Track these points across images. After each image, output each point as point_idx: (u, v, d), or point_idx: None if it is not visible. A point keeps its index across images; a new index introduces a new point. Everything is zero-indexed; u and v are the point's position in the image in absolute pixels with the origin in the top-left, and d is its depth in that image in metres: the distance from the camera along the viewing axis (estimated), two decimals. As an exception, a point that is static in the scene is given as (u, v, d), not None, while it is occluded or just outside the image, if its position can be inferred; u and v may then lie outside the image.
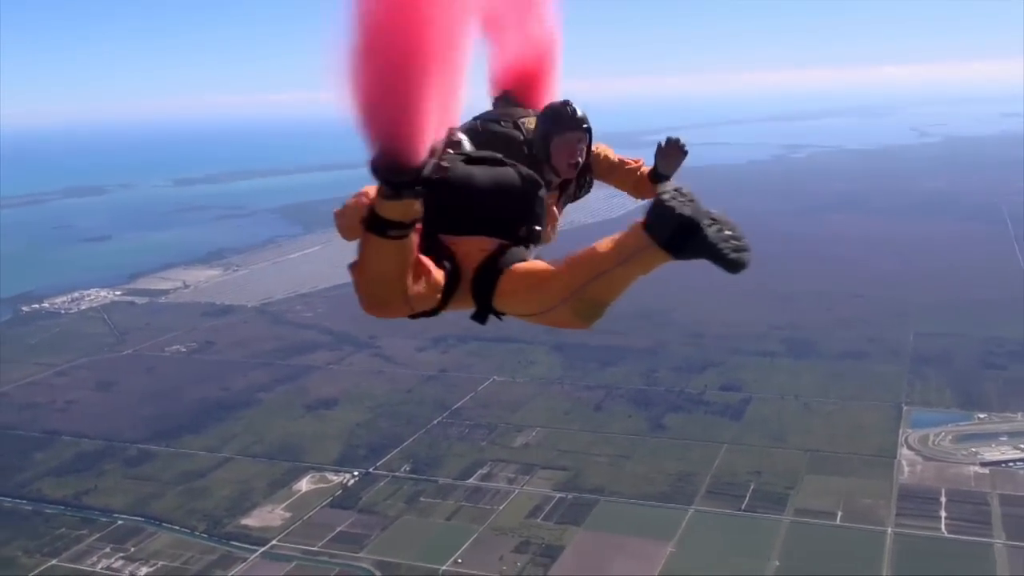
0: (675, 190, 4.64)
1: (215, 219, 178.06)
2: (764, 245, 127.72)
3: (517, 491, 59.96)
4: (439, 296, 5.06)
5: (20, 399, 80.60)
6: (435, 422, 71.42)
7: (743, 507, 56.26)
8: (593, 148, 6.99)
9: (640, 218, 4.72)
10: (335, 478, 63.06)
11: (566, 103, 6.63)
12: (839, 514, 54.82)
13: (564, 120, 6.67)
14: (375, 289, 4.79)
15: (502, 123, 6.59)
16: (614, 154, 7.53)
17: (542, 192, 5.63)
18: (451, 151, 5.30)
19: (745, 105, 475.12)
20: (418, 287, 4.87)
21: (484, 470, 63.20)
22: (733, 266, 4.54)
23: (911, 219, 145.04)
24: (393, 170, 4.36)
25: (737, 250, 4.58)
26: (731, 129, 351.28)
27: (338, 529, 56.24)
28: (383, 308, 4.89)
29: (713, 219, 4.60)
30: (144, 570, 52.91)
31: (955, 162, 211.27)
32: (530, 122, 6.59)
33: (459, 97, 4.53)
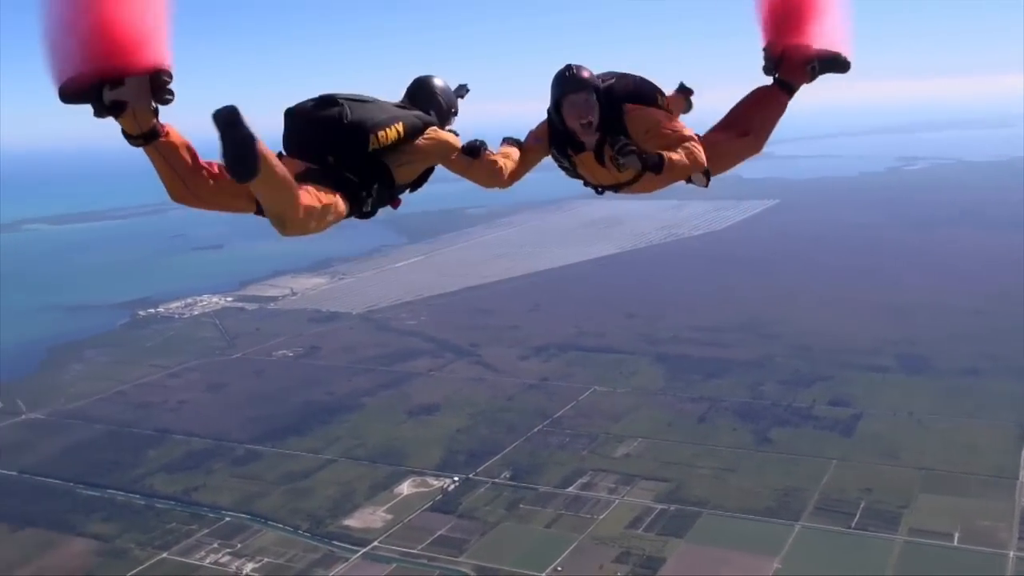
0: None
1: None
2: (876, 257, 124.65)
3: (617, 501, 59.12)
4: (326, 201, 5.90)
5: (135, 398, 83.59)
6: (535, 430, 71.13)
7: (853, 525, 54.21)
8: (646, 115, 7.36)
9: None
10: (436, 483, 63.32)
11: (568, 67, 7.15)
12: (956, 535, 52.30)
13: (565, 83, 7.15)
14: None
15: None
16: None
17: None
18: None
19: (858, 116, 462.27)
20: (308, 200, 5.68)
21: (584, 479, 62.56)
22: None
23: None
24: (67, 94, 4.95)
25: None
26: (843, 141, 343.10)
27: (438, 533, 56.38)
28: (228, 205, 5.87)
29: None
30: (250, 566, 53.99)
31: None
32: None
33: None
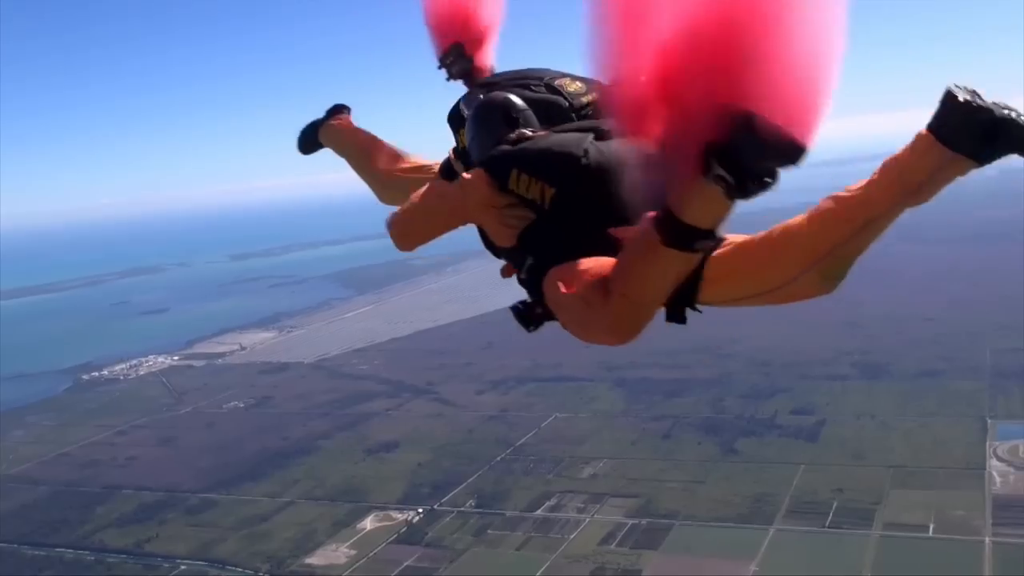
0: (958, 86, 3.45)
1: (269, 287, 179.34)
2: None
3: (588, 519, 57.70)
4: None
5: (81, 458, 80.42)
6: (498, 459, 69.58)
7: (827, 524, 53.41)
8: None
9: (921, 132, 3.55)
10: (400, 516, 61.38)
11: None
12: (931, 526, 51.66)
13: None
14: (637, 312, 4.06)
15: (532, 87, 5.05)
16: None
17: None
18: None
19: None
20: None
21: (552, 502, 61.06)
22: None
23: (972, 247, 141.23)
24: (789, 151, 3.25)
25: None
26: (781, 176, 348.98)
27: (405, 564, 54.47)
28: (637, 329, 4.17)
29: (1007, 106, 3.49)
30: (209, 611, 51.54)
31: (1013, 192, 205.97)
32: (570, 84, 5.06)
33: None
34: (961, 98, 3.37)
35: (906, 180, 3.59)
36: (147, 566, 57.88)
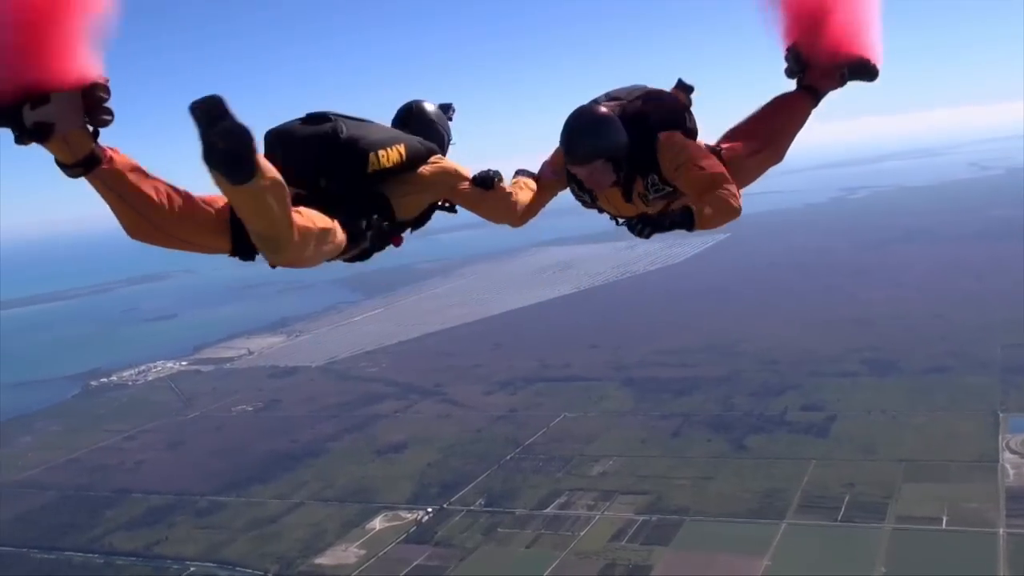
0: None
1: (277, 293, 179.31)
2: (831, 277, 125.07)
3: (598, 516, 57.41)
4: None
5: (90, 463, 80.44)
6: (507, 458, 69.38)
7: (839, 518, 53.02)
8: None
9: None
10: (409, 515, 61.17)
11: (569, 132, 6.19)
12: (944, 519, 51.23)
13: (568, 155, 6.25)
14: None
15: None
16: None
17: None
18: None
19: (795, 156, 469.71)
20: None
21: (562, 499, 60.82)
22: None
23: (981, 245, 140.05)
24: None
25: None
26: (783, 179, 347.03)
27: (415, 563, 54.21)
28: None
29: None
30: (218, 611, 51.39)
31: (1020, 191, 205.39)
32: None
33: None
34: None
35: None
36: (156, 568, 57.74)
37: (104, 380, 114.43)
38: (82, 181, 4.21)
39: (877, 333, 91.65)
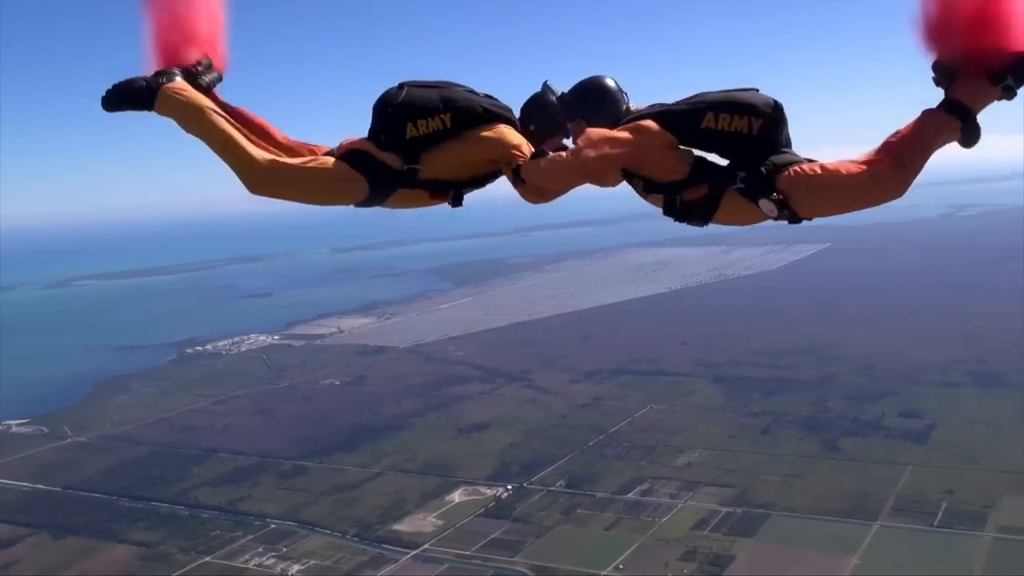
0: None
1: (369, 278, 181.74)
2: (937, 290, 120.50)
3: (680, 505, 56.19)
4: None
5: (181, 423, 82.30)
6: (590, 444, 68.55)
7: (936, 523, 50.77)
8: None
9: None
10: (488, 491, 60.87)
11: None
12: (1048, 532, 48.60)
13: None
14: None
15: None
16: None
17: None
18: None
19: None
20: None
21: (644, 486, 59.75)
22: None
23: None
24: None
25: None
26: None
27: (491, 536, 53.89)
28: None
29: None
30: (295, 567, 51.83)
31: None
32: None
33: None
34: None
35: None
36: (237, 523, 58.52)
37: (199, 348, 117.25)
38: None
39: (984, 347, 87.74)
